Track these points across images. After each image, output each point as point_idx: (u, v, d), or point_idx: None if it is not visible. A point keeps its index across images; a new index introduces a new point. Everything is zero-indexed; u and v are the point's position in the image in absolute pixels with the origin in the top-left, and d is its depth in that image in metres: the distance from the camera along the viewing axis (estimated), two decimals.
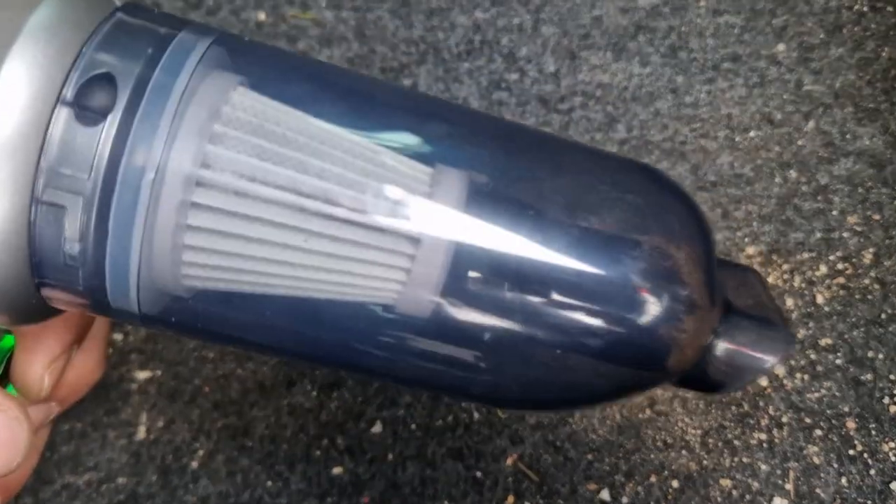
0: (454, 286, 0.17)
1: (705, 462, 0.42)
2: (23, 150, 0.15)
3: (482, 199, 0.17)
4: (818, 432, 0.43)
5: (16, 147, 0.14)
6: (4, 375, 0.21)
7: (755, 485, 0.42)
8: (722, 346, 0.19)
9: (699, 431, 0.43)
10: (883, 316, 0.44)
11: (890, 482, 0.42)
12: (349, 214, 0.16)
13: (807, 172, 0.47)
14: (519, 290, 0.17)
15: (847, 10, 0.50)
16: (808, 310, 0.44)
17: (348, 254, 0.17)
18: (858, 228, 0.46)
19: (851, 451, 0.42)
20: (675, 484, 0.42)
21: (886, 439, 0.42)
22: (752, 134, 0.48)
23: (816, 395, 0.43)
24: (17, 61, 0.14)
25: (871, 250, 0.45)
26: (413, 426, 0.43)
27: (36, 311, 0.17)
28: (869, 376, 0.43)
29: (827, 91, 0.48)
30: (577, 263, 0.18)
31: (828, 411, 0.43)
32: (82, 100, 0.15)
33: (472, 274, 0.17)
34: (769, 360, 0.19)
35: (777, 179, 0.47)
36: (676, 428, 0.43)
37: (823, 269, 0.45)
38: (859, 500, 0.41)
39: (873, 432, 0.42)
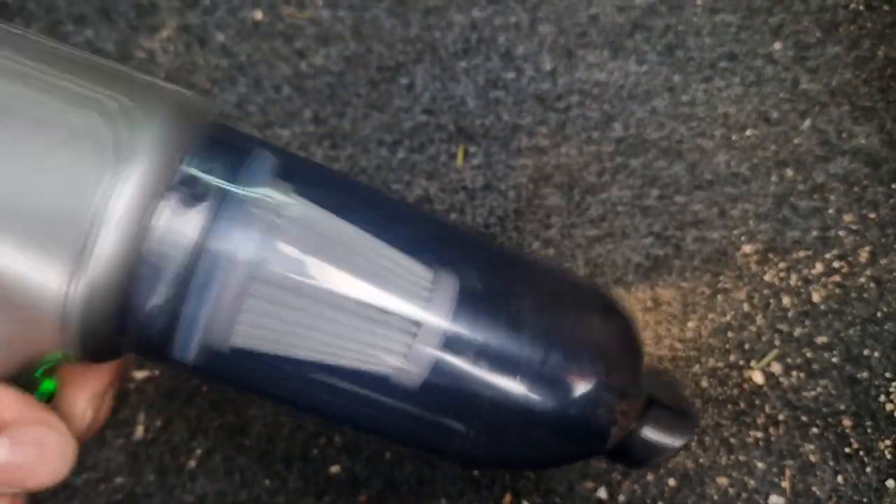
0: (441, 366, 0.22)
1: (702, 460, 0.42)
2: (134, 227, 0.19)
3: (468, 303, 0.22)
4: (814, 430, 0.43)
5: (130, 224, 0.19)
6: None
7: (751, 483, 0.42)
8: (644, 430, 0.26)
9: (696, 429, 0.43)
10: (879, 314, 0.44)
11: (886, 479, 0.42)
12: (364, 309, 0.21)
13: (803, 171, 0.47)
14: (489, 379, 0.23)
15: (843, 9, 0.50)
16: (805, 308, 0.45)
17: (358, 335, 0.21)
18: (854, 227, 0.46)
19: (847, 449, 0.42)
20: (671, 482, 0.42)
21: (882, 437, 0.42)
22: (748, 132, 0.48)
23: (812, 393, 0.43)
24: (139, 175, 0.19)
25: (866, 248, 0.45)
26: None
27: (107, 351, 0.21)
28: (865, 374, 0.43)
29: (823, 90, 0.49)
30: (536, 364, 0.23)
31: (824, 409, 0.43)
32: (181, 199, 0.20)
33: (454, 359, 0.22)
34: (678, 442, 0.26)
35: (773, 178, 0.47)
36: None
37: (819, 267, 0.45)
38: (855, 497, 0.42)
39: (869, 430, 0.42)
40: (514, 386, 0.23)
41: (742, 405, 0.43)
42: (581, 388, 0.23)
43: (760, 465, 0.42)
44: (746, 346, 0.44)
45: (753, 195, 0.47)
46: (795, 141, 0.48)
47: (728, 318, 0.45)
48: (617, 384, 0.24)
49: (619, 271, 0.46)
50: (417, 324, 0.22)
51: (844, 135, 0.47)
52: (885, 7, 0.50)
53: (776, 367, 0.44)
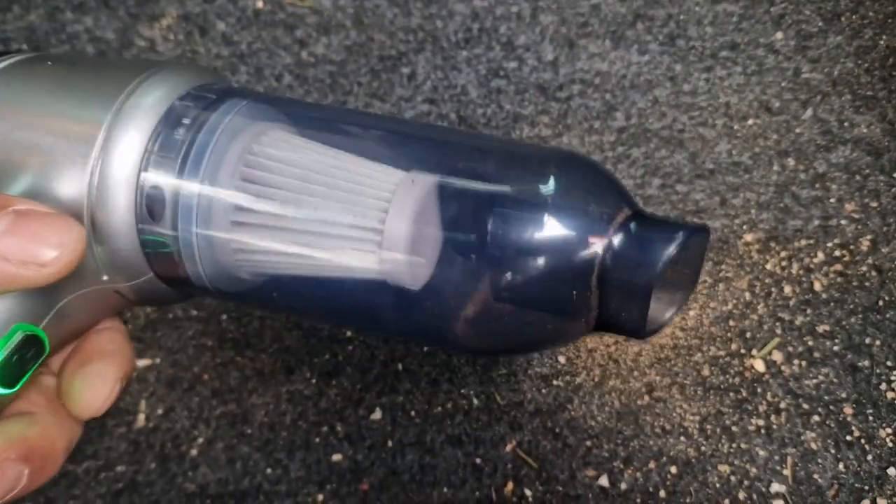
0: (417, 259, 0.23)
1: (703, 448, 0.42)
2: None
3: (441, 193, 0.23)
4: (816, 418, 0.43)
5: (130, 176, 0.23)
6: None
7: (753, 470, 0.42)
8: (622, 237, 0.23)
9: (697, 418, 0.43)
10: (880, 303, 0.44)
11: (887, 467, 0.42)
12: (335, 218, 0.23)
13: (804, 160, 0.47)
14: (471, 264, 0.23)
15: None
16: (806, 297, 0.45)
17: (337, 244, 0.23)
18: (856, 216, 0.46)
19: (849, 437, 0.42)
20: (673, 470, 0.42)
21: (884, 425, 0.42)
22: (750, 122, 0.48)
23: (814, 381, 0.43)
24: (133, 129, 0.23)
25: (868, 237, 0.45)
26: (412, 413, 0.43)
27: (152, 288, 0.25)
28: (866, 363, 0.43)
29: (825, 79, 0.49)
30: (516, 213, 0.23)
31: (825, 397, 0.43)
32: (160, 153, 0.24)
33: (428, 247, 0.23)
34: (668, 251, 0.22)
35: (775, 167, 0.47)
36: (675, 414, 0.43)
37: (821, 256, 0.45)
38: (857, 485, 0.42)
39: (871, 418, 0.43)
40: (484, 254, 0.23)
41: (744, 393, 0.43)
42: (548, 230, 0.23)
43: (762, 452, 0.42)
44: (748, 335, 0.44)
45: (755, 184, 0.47)
46: (797, 130, 0.48)
47: (729, 306, 0.45)
48: (598, 214, 0.23)
49: None
50: (380, 226, 0.23)
51: (846, 124, 0.48)
52: None
53: (778, 356, 0.44)
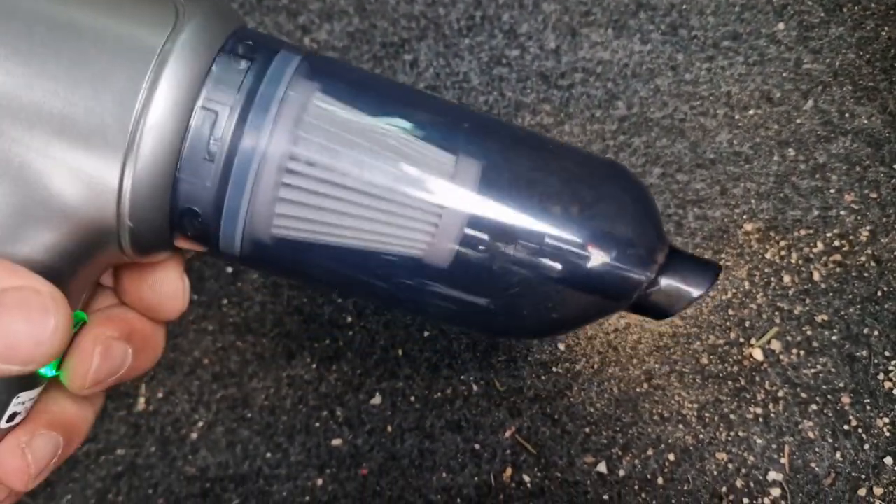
0: (469, 242, 0.23)
1: (701, 436, 0.43)
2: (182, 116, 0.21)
3: (491, 182, 0.23)
4: (813, 407, 0.43)
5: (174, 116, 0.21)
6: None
7: (751, 458, 0.42)
8: (665, 280, 0.26)
9: (696, 405, 0.43)
10: (879, 293, 0.44)
11: (884, 457, 0.42)
12: (391, 193, 0.23)
13: (805, 150, 0.47)
14: (516, 254, 0.24)
15: None
16: (805, 286, 0.45)
17: (387, 219, 0.23)
18: (855, 206, 0.46)
19: (846, 426, 0.43)
20: (671, 457, 0.42)
21: (881, 414, 0.43)
22: (751, 112, 0.48)
23: (812, 370, 0.43)
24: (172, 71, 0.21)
25: (867, 228, 0.45)
26: (412, 398, 0.43)
27: (157, 243, 0.23)
28: (864, 353, 0.44)
29: (826, 70, 0.49)
30: (560, 235, 0.24)
31: (823, 387, 0.43)
32: (212, 100, 0.22)
33: (481, 235, 0.23)
34: (700, 290, 0.26)
35: (775, 157, 0.47)
36: (673, 402, 0.43)
37: (820, 245, 0.45)
38: (853, 473, 0.42)
39: (868, 407, 0.43)
40: (541, 258, 0.24)
41: (742, 382, 0.43)
42: (605, 253, 0.25)
43: (760, 441, 0.42)
44: (747, 324, 0.44)
45: (755, 174, 0.47)
46: (798, 121, 0.48)
47: (729, 295, 0.45)
48: (639, 242, 0.25)
49: None
50: (442, 205, 0.23)
51: (847, 115, 0.48)
52: None
53: (776, 345, 0.44)
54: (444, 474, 0.42)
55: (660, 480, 0.42)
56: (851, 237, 0.45)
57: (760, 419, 0.43)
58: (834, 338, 0.44)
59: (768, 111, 0.48)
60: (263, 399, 0.43)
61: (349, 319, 0.45)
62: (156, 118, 0.20)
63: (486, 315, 0.25)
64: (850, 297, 0.44)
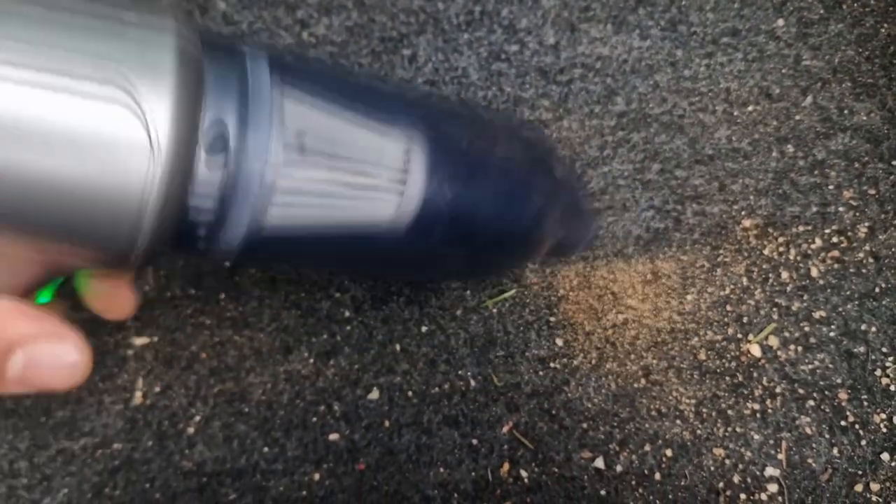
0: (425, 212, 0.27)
1: (699, 431, 0.43)
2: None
3: (439, 161, 0.27)
4: (811, 403, 0.43)
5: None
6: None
7: (748, 454, 0.42)
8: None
9: (693, 401, 0.43)
10: (876, 289, 0.44)
11: (881, 453, 0.42)
12: (367, 179, 0.25)
13: (804, 147, 0.47)
14: (468, 217, 0.29)
15: None
16: (803, 282, 0.45)
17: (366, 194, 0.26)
18: (854, 203, 0.46)
19: (843, 422, 0.43)
20: (668, 453, 0.42)
21: (878, 410, 0.43)
22: (750, 108, 0.48)
23: (810, 366, 0.43)
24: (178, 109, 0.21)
25: (865, 224, 0.45)
26: (409, 393, 0.43)
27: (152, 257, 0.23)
28: (862, 349, 0.44)
29: (825, 66, 0.49)
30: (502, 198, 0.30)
31: (821, 383, 0.43)
32: (209, 151, 0.22)
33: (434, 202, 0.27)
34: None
35: (774, 154, 0.47)
36: (671, 397, 0.43)
37: (819, 242, 0.45)
38: (850, 470, 0.42)
39: (865, 404, 0.43)
40: (489, 220, 0.29)
41: (739, 377, 0.43)
42: (536, 208, 0.31)
43: (757, 436, 0.42)
44: (745, 320, 0.44)
45: (754, 170, 0.47)
46: (797, 117, 0.48)
47: (727, 291, 0.45)
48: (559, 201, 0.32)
49: (619, 244, 0.46)
50: (402, 181, 0.26)
51: (846, 112, 0.48)
52: None
53: (774, 341, 0.44)
54: (441, 469, 0.42)
55: (657, 476, 0.42)
56: (850, 234, 0.45)
57: (758, 415, 0.43)
58: (832, 334, 0.44)
59: (767, 107, 0.48)
60: (260, 394, 0.43)
61: (347, 314, 0.45)
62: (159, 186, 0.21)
63: (447, 266, 0.31)
64: (848, 293, 0.45)
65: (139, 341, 0.45)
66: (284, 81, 0.25)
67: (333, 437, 0.43)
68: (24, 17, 0.18)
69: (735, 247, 0.45)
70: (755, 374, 0.43)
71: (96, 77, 0.18)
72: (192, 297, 0.45)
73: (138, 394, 0.44)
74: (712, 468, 0.42)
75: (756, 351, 0.44)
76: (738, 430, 0.43)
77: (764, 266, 0.45)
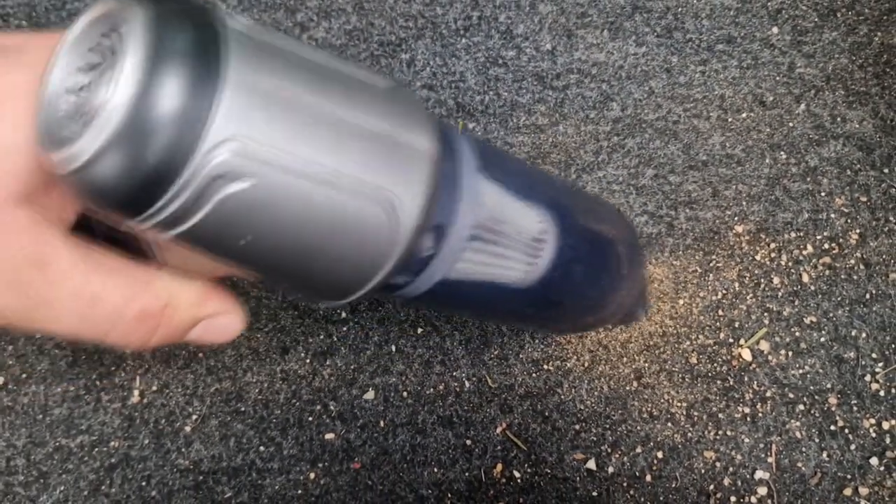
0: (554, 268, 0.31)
1: (690, 434, 0.43)
2: None
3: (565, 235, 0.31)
4: (801, 407, 0.43)
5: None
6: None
7: (738, 457, 0.43)
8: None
9: (684, 404, 0.44)
10: (867, 296, 0.45)
11: (870, 457, 0.43)
12: (513, 253, 0.30)
13: (796, 154, 0.48)
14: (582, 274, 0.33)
15: None
16: (794, 288, 0.45)
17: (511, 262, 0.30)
18: (845, 210, 0.46)
19: (833, 427, 0.43)
20: (659, 455, 0.43)
21: (867, 415, 0.43)
22: (743, 115, 0.48)
23: (800, 371, 0.44)
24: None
25: (857, 231, 0.46)
26: (405, 394, 0.44)
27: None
28: (851, 354, 0.44)
29: (819, 74, 0.49)
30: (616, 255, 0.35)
31: (811, 387, 0.44)
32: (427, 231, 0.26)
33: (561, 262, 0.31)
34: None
35: (767, 160, 0.48)
36: (662, 400, 0.44)
37: (810, 248, 0.46)
38: (839, 474, 0.42)
39: (854, 408, 0.43)
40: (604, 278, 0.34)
41: (730, 381, 0.44)
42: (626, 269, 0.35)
43: (747, 440, 0.43)
44: (736, 324, 0.45)
45: (747, 176, 0.47)
46: (790, 124, 0.48)
47: (719, 296, 0.45)
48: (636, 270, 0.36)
49: None
50: (540, 247, 0.30)
51: (838, 119, 0.48)
52: None
53: (765, 345, 0.44)
54: (435, 469, 0.43)
55: (648, 478, 0.43)
56: (841, 240, 0.46)
57: (748, 419, 0.43)
58: (822, 339, 0.44)
59: (761, 114, 0.48)
60: (257, 393, 0.44)
61: (343, 315, 0.45)
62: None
63: (558, 317, 0.35)
64: (839, 299, 0.45)
65: None
66: (481, 173, 0.28)
67: (329, 436, 0.43)
68: (336, 127, 0.23)
69: (727, 252, 0.46)
70: (746, 379, 0.44)
71: (371, 182, 0.23)
72: None
73: (136, 392, 0.44)
74: (703, 471, 0.43)
75: (747, 355, 0.44)
76: (728, 433, 0.43)
77: (756, 271, 0.46)
